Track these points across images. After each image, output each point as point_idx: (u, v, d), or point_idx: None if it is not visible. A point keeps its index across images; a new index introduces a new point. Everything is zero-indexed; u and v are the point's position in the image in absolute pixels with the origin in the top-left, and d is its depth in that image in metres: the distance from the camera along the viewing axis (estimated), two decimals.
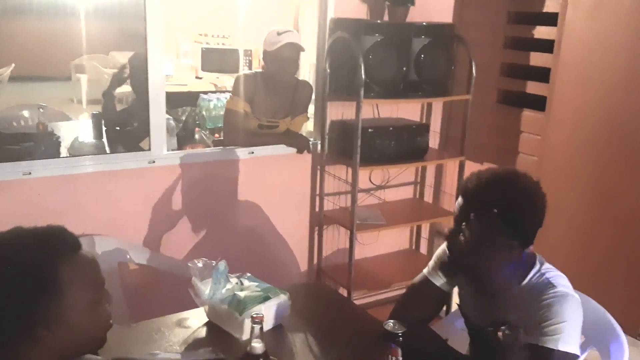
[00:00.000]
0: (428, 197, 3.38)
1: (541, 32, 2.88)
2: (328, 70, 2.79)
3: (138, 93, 3.18)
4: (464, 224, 1.40)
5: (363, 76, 2.54)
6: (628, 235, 2.49)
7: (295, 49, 2.70)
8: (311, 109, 2.99)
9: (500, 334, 1.30)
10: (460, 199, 1.44)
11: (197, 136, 3.93)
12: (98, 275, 1.07)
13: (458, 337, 1.73)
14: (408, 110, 3.15)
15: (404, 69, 2.71)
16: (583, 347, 1.78)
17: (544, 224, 1.39)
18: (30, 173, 2.30)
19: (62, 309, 0.99)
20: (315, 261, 3.08)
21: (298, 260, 3.04)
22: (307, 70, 3.18)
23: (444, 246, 1.70)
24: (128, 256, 2.47)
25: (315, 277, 3.07)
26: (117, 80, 3.41)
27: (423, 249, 3.43)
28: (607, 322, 1.74)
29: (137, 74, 3.11)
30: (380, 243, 3.21)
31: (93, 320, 1.07)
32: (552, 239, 2.72)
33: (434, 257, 1.71)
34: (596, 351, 1.75)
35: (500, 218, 1.33)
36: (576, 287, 1.50)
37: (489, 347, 1.44)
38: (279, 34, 2.68)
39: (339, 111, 2.92)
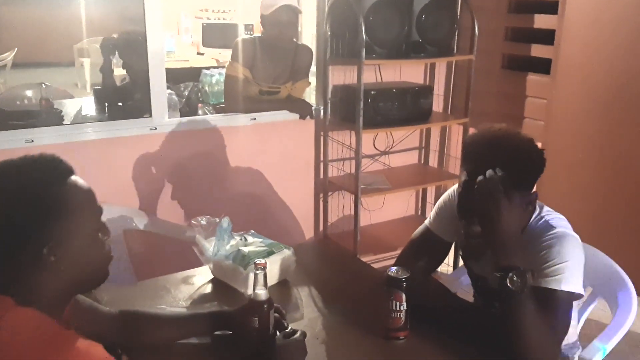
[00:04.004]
0: (433, 162, 3.36)
1: None
2: (329, 33, 2.75)
3: (130, 68, 3.15)
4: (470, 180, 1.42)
5: (364, 37, 2.51)
6: (638, 195, 2.46)
7: (291, 12, 2.65)
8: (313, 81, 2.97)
9: (508, 280, 1.29)
10: (462, 161, 1.49)
11: (200, 112, 3.91)
12: (94, 202, 1.09)
13: (465, 293, 1.73)
14: (411, 73, 3.12)
15: (406, 29, 2.68)
16: (591, 298, 1.78)
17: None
18: (32, 141, 2.29)
19: (63, 231, 1.01)
20: (320, 228, 3.07)
21: (303, 228, 3.03)
22: (309, 41, 3.14)
23: (444, 197, 1.69)
24: (134, 224, 2.48)
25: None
26: (107, 49, 3.34)
27: (429, 215, 3.40)
28: (615, 272, 1.73)
29: (127, 47, 3.09)
30: (386, 209, 3.20)
31: (95, 248, 1.08)
32: (562, 200, 2.69)
33: (435, 209, 1.71)
34: (604, 301, 1.74)
35: (500, 177, 1.35)
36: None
37: (492, 297, 1.44)
38: None
39: (341, 75, 2.89)
